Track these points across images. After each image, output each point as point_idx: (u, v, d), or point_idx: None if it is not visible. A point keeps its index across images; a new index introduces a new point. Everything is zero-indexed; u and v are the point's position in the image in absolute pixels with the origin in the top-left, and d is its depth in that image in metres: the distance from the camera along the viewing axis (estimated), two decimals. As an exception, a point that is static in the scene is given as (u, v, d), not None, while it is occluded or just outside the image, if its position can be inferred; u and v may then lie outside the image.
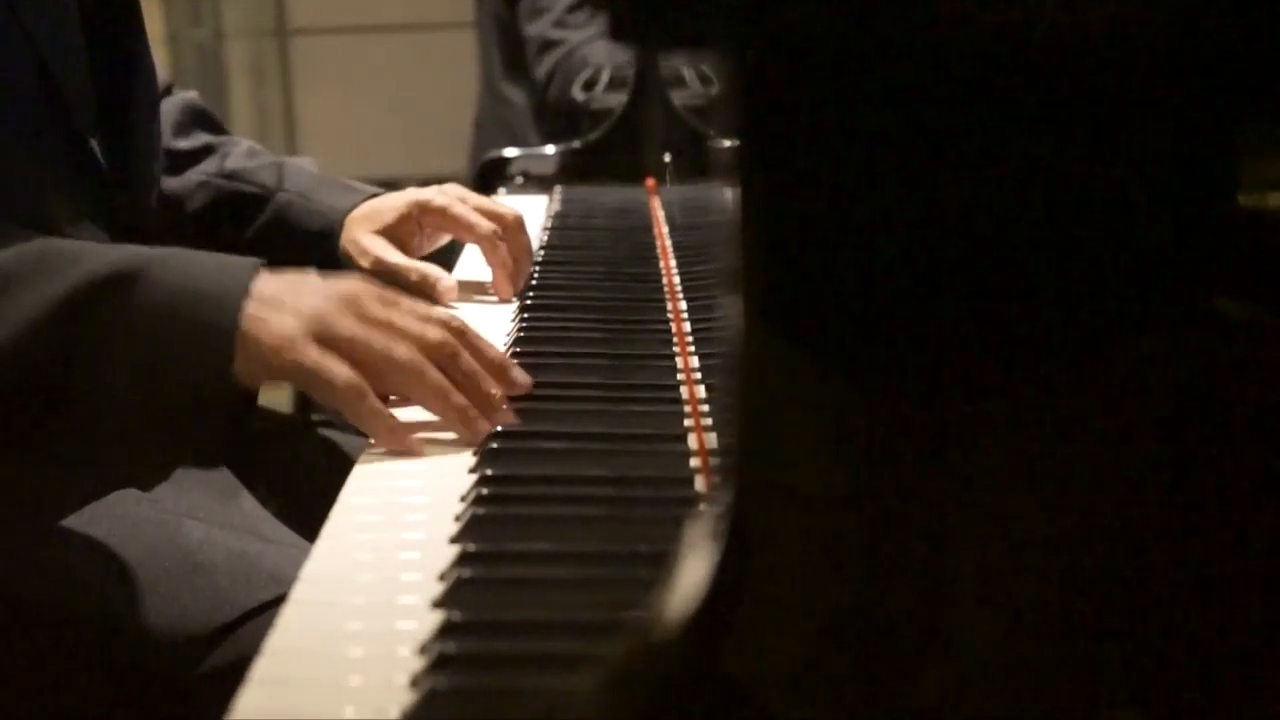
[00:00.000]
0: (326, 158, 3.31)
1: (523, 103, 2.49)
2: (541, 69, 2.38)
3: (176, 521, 1.08)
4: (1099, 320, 0.48)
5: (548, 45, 2.38)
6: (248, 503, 1.15)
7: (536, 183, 1.82)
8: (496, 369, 0.98)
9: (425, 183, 1.37)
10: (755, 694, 0.50)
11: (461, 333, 0.96)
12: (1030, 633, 0.50)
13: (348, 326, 0.93)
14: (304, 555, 0.91)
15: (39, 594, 1.03)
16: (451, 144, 2.92)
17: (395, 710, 0.60)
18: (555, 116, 2.34)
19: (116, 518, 1.07)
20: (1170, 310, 0.46)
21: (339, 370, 0.90)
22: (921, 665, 0.49)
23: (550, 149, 1.88)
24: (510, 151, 1.88)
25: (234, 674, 0.90)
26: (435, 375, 0.93)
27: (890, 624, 0.48)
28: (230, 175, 1.41)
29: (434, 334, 0.94)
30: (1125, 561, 0.51)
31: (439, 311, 0.99)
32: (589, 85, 2.15)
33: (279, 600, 0.89)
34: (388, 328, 0.93)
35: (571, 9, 2.38)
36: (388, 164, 3.20)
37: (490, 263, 1.26)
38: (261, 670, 0.67)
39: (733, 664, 0.49)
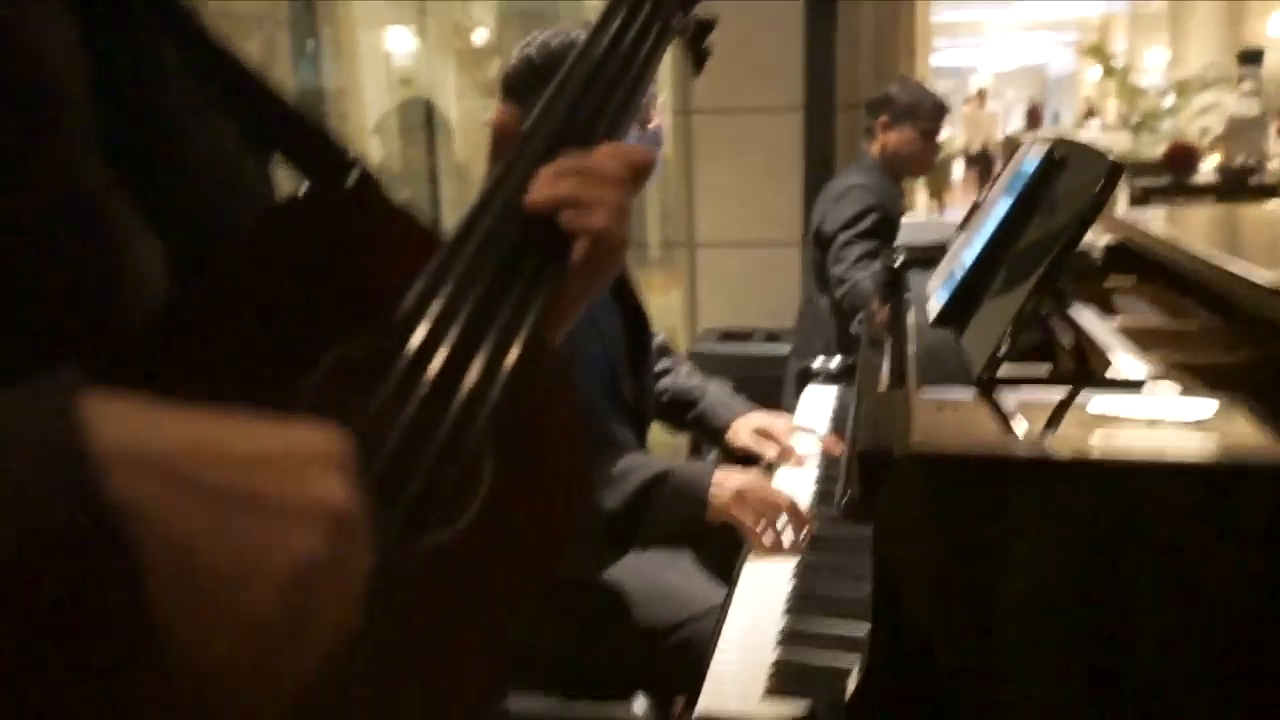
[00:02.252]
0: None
1: (828, 308, 2.81)
2: (836, 294, 2.71)
3: (656, 569, 1.61)
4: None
5: (840, 281, 2.69)
6: (686, 560, 1.69)
7: (831, 378, 2.16)
8: (801, 523, 1.48)
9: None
10: None
11: (792, 507, 1.48)
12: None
13: (756, 496, 1.47)
14: (713, 589, 1.49)
15: (599, 600, 1.55)
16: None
17: (764, 678, 1.11)
18: (845, 327, 2.66)
19: (632, 566, 1.60)
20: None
21: (750, 518, 1.45)
22: None
23: (834, 361, 2.19)
24: (818, 364, 2.20)
25: (681, 647, 1.45)
26: (776, 528, 1.47)
27: None
28: (681, 389, 1.92)
29: (782, 502, 1.47)
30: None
31: (784, 496, 1.50)
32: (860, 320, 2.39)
33: (700, 614, 1.46)
34: (766, 501, 1.47)
35: (859, 259, 2.65)
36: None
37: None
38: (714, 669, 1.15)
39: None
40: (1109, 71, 10.90)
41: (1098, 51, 12.74)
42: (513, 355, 0.55)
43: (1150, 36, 14.07)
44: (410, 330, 0.52)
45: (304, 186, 0.58)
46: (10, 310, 0.44)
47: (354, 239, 0.54)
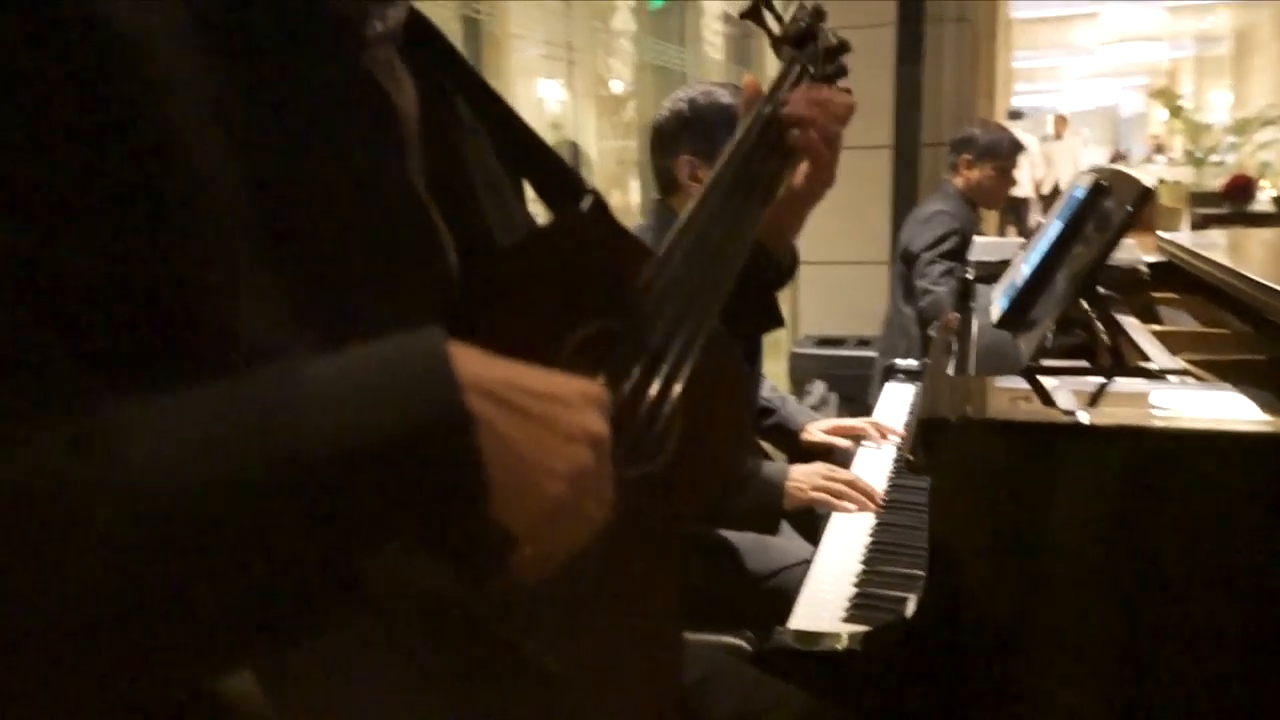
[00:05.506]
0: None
1: (911, 317, 2.81)
2: (920, 304, 2.73)
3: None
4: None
5: (923, 293, 2.71)
6: (782, 523, 1.72)
7: (911, 376, 2.14)
8: (869, 495, 1.52)
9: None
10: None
11: (854, 481, 1.53)
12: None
13: (823, 480, 1.52)
14: (803, 547, 1.54)
15: (710, 551, 1.59)
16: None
17: (844, 608, 1.18)
18: (926, 334, 2.65)
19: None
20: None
21: (825, 496, 1.50)
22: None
23: (915, 363, 2.15)
24: (900, 363, 2.19)
25: (775, 591, 1.49)
26: (851, 495, 1.51)
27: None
28: (762, 399, 1.93)
29: (847, 478, 1.53)
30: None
31: (848, 474, 1.55)
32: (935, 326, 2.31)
33: (792, 565, 1.51)
34: (835, 479, 1.52)
35: (941, 275, 2.67)
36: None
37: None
38: (803, 599, 1.23)
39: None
40: (1175, 111, 10.42)
41: (1165, 94, 12.23)
42: (699, 346, 0.64)
43: (1214, 79, 13.39)
44: (631, 321, 0.63)
45: (554, 211, 0.69)
46: (378, 283, 0.55)
47: (592, 250, 0.65)
